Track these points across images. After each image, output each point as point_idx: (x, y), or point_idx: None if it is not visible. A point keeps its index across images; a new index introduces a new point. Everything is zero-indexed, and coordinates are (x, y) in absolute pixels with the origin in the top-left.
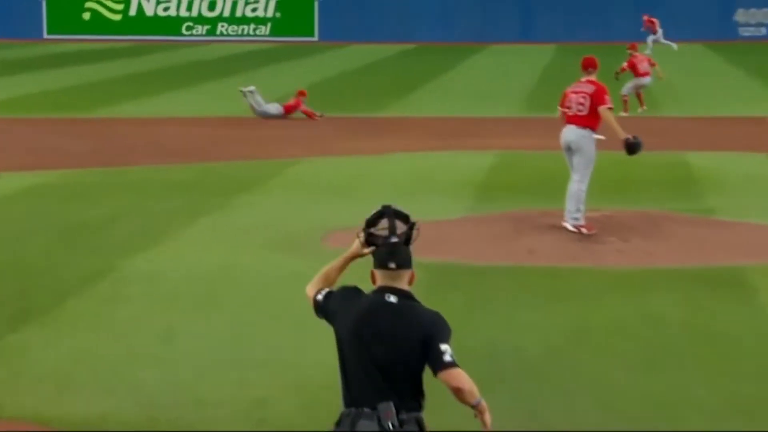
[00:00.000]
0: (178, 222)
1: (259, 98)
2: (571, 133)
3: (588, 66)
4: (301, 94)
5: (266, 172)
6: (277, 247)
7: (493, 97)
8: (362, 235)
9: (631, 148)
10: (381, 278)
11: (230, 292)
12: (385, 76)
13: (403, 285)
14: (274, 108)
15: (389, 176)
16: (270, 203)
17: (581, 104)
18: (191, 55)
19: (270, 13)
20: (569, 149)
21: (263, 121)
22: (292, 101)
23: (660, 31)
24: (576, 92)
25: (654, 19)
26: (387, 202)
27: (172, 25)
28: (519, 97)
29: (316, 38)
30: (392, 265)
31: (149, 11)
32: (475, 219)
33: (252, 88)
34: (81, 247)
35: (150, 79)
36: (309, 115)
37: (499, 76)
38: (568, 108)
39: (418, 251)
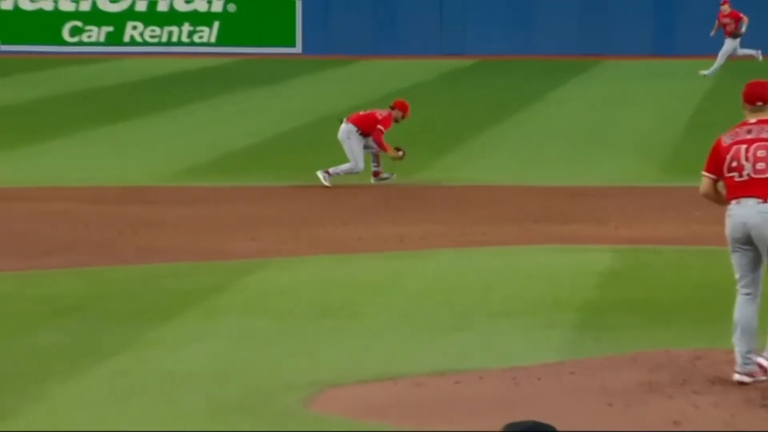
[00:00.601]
0: (54, 371)
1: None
2: (752, 213)
3: (761, 97)
4: (400, 108)
5: (207, 282)
6: (230, 413)
7: (604, 148)
8: None
9: None
10: None
11: None
12: (421, 112)
13: None
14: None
15: (424, 292)
16: (215, 338)
17: (764, 161)
18: (75, 79)
19: (217, 7)
20: (747, 242)
21: (198, 192)
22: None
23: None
24: (751, 142)
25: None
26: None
27: (45, 26)
28: (648, 149)
29: (298, 49)
30: None
31: (6, 3)
32: (578, 366)
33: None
34: None
35: None
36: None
37: (612, 112)
38: (735, 172)
39: None
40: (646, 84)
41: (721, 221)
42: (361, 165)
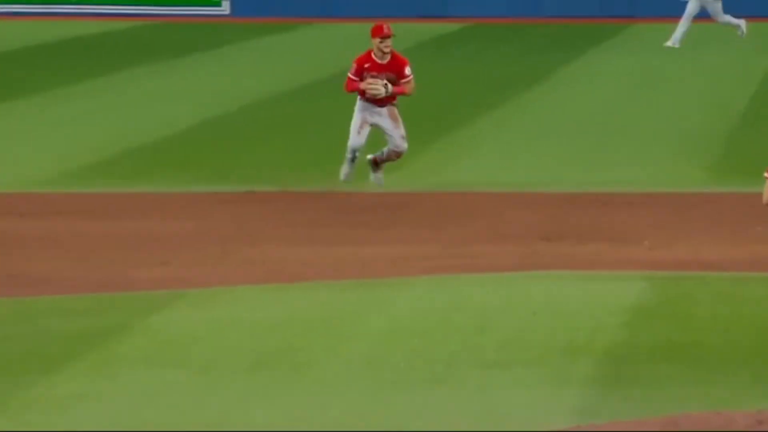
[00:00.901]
0: None
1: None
2: None
3: None
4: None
5: (104, 322)
6: None
7: (633, 143)
8: None
9: None
10: None
11: None
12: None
13: None
14: None
15: (393, 334)
16: (114, 396)
17: None
18: None
19: None
20: None
21: (90, 202)
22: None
23: None
24: None
25: None
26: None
27: None
28: (691, 145)
29: (225, 10)
30: None
31: None
32: None
33: None
34: None
35: None
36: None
37: (643, 95)
38: None
39: None
40: (687, 57)
41: None
42: (352, 140)
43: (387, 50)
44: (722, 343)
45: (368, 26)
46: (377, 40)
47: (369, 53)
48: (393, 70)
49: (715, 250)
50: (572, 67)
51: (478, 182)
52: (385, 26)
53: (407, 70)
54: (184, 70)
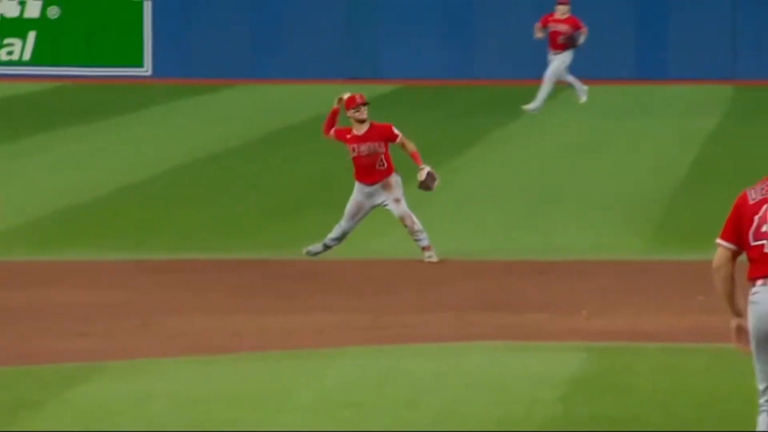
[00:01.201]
0: None
1: None
2: None
3: None
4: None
5: (11, 397)
6: None
7: (571, 209)
8: None
9: None
10: None
11: None
12: (320, 159)
13: None
14: None
15: (321, 407)
16: None
17: None
18: None
19: (34, 11)
20: None
21: None
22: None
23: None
24: None
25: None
26: None
27: None
28: (632, 211)
29: (146, 71)
30: None
31: None
32: None
33: None
34: None
35: None
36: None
37: (583, 159)
38: (765, 239)
39: None
40: (626, 120)
41: (718, 308)
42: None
43: (363, 118)
44: (662, 416)
45: (296, 88)
46: (351, 111)
47: (349, 127)
48: (377, 139)
49: (656, 320)
50: (507, 129)
51: (410, 250)
52: (357, 96)
53: (395, 130)
54: (105, 132)
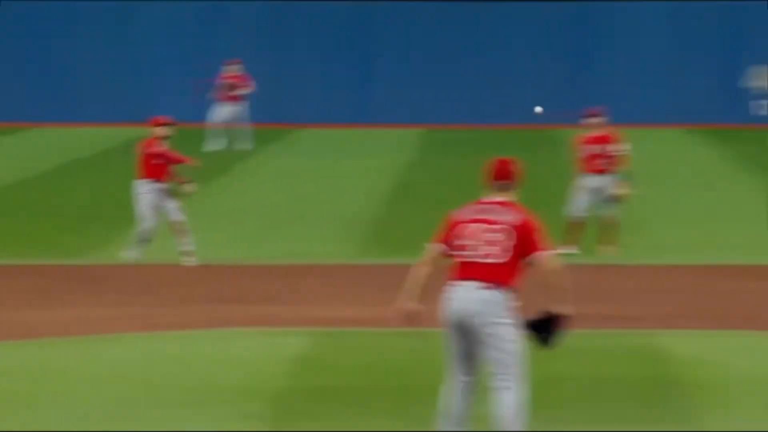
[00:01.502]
0: None
1: None
2: (472, 297)
3: (503, 176)
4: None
5: None
6: None
7: (303, 224)
8: None
9: (547, 330)
10: None
11: None
12: (100, 184)
13: None
14: None
15: (98, 380)
16: None
17: (495, 245)
18: None
19: None
20: (465, 329)
21: None
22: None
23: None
24: (482, 222)
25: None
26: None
27: None
28: (342, 227)
29: None
30: None
31: None
32: None
33: None
34: None
35: None
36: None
37: (311, 185)
38: (461, 251)
39: None
40: (341, 157)
41: (427, 300)
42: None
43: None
44: (370, 385)
45: (79, 132)
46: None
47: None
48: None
49: (362, 310)
50: (249, 163)
51: (170, 257)
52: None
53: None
54: None
